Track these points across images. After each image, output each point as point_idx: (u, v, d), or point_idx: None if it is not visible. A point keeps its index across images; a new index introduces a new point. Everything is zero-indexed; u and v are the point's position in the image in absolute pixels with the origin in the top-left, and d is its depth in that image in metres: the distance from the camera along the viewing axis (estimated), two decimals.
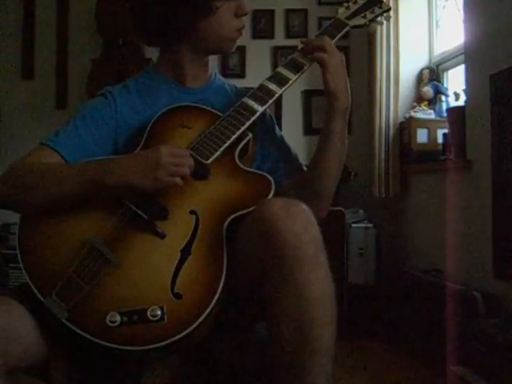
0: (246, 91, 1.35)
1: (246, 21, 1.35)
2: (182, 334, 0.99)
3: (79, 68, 3.85)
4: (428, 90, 3.39)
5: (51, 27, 3.94)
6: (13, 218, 1.20)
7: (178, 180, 1.11)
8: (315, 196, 1.32)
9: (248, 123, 1.25)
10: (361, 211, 3.54)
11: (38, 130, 3.39)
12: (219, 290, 1.03)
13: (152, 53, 3.04)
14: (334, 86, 1.26)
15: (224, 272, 1.05)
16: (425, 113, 3.33)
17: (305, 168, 1.40)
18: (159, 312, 1.01)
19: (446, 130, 3.06)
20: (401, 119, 3.45)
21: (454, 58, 3.25)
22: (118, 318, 1.01)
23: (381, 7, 1.39)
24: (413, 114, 3.34)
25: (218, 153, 1.20)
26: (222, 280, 1.04)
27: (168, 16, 1.28)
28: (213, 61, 1.45)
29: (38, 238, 1.12)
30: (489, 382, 2.02)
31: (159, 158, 1.10)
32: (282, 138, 1.43)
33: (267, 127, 1.41)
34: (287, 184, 1.36)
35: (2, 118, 3.86)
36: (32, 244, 1.11)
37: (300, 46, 1.34)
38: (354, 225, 3.43)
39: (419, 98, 3.48)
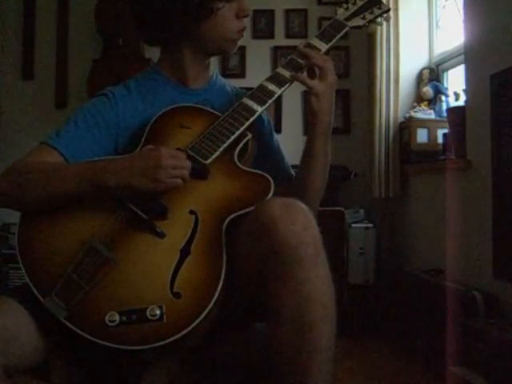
0: (246, 93, 1.36)
1: (246, 21, 1.36)
2: (180, 334, 0.99)
3: (79, 68, 3.85)
4: (428, 90, 3.39)
5: (51, 27, 3.94)
6: (13, 218, 1.21)
7: (179, 181, 1.11)
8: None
9: (247, 123, 1.25)
10: (361, 211, 3.54)
11: (38, 129, 3.40)
12: (218, 290, 1.03)
13: (152, 53, 3.04)
14: (317, 107, 1.25)
15: (223, 271, 1.05)
16: (425, 113, 3.33)
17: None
18: (158, 311, 1.01)
19: (446, 130, 3.06)
20: (401, 119, 3.45)
21: (454, 57, 3.25)
22: (117, 318, 1.01)
23: (380, 8, 1.39)
24: (413, 114, 3.34)
25: (217, 153, 1.20)
26: (222, 279, 1.04)
27: (169, 17, 1.28)
28: (213, 61, 1.45)
29: (38, 237, 1.12)
30: (489, 382, 2.02)
31: (160, 160, 1.10)
32: (278, 146, 1.45)
33: (265, 133, 1.42)
34: (280, 189, 1.36)
35: (2, 117, 3.86)
36: (31, 244, 1.11)
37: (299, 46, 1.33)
38: (353, 225, 3.43)
39: (419, 98, 3.48)
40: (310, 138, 1.30)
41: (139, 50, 3.65)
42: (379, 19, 1.40)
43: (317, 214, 1.33)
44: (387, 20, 1.41)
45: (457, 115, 2.80)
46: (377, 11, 1.38)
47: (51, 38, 3.94)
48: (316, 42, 1.33)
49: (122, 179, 1.10)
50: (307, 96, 1.27)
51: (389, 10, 1.39)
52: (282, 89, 1.29)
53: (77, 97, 3.80)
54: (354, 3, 1.39)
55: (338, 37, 1.34)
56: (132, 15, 1.36)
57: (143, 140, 1.26)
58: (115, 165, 1.13)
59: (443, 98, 3.31)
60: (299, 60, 1.31)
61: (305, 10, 3.94)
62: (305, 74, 1.28)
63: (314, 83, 1.25)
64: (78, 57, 3.92)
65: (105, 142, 1.29)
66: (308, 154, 1.31)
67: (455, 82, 3.32)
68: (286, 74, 1.30)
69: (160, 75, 1.38)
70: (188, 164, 1.14)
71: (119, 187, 1.11)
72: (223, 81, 1.47)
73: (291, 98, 3.76)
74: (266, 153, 1.40)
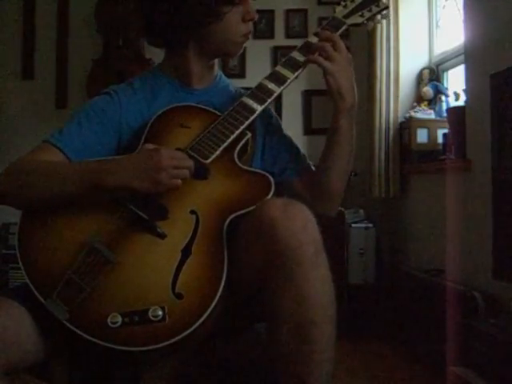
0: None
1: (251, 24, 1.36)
2: (182, 335, 0.99)
3: (79, 68, 3.85)
4: (428, 90, 3.38)
5: (51, 27, 3.94)
6: (13, 218, 1.20)
7: (179, 182, 1.11)
8: (325, 195, 1.35)
9: (247, 122, 1.24)
10: (361, 211, 3.54)
11: (38, 129, 3.38)
12: (220, 290, 1.03)
13: (152, 53, 3.04)
14: (336, 87, 1.26)
15: (225, 272, 1.05)
16: (425, 113, 3.33)
17: (313, 168, 1.41)
18: (160, 312, 1.01)
19: (446, 130, 3.06)
20: (401, 119, 3.45)
21: (454, 57, 3.25)
22: (119, 319, 1.01)
23: (378, 6, 1.39)
24: (413, 114, 3.34)
25: (217, 152, 1.19)
26: (223, 280, 1.04)
27: (176, 20, 1.28)
28: (215, 61, 1.45)
29: (38, 238, 1.12)
30: (489, 382, 2.02)
31: (160, 161, 1.10)
32: (290, 139, 1.43)
33: (275, 129, 1.42)
34: (297, 183, 1.37)
35: (2, 117, 3.86)
36: (32, 244, 1.11)
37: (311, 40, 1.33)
38: (354, 225, 3.43)
39: (419, 98, 3.48)
40: (334, 116, 1.30)
41: (139, 50, 3.65)
42: (377, 17, 1.40)
43: (341, 200, 1.38)
44: (385, 18, 1.42)
45: (457, 115, 2.80)
46: (375, 9, 1.38)
47: (51, 37, 3.94)
48: (315, 40, 1.33)
49: (120, 180, 1.10)
50: (325, 78, 1.27)
51: (387, 8, 1.40)
52: (282, 87, 1.29)
53: (77, 97, 3.80)
54: (353, 1, 1.39)
55: (337, 34, 1.34)
56: (139, 17, 1.36)
57: (143, 139, 1.25)
58: (114, 165, 1.13)
59: (443, 98, 3.31)
60: (299, 58, 1.31)
61: (305, 10, 3.94)
62: (316, 55, 1.28)
63: (328, 64, 1.26)
64: (78, 57, 3.92)
65: (107, 140, 1.28)
66: (334, 130, 1.31)
67: (455, 82, 3.32)
68: (285, 72, 1.30)
69: (164, 75, 1.38)
70: (190, 164, 1.13)
71: (117, 188, 1.11)
72: (227, 81, 1.47)
73: (291, 98, 3.76)
74: (279, 148, 1.40)
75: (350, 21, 1.37)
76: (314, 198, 1.34)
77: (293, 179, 1.37)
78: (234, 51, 1.37)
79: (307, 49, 1.32)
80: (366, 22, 1.39)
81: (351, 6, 1.38)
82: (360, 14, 1.38)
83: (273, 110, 1.43)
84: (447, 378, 2.20)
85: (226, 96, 1.40)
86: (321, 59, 1.27)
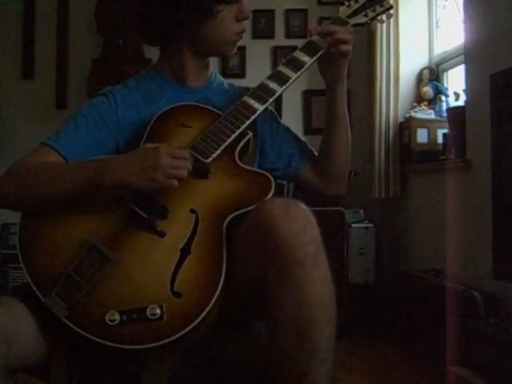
0: (245, 90, 1.36)
1: (246, 21, 1.36)
2: (180, 333, 0.99)
3: (79, 68, 3.85)
4: (428, 90, 3.39)
5: (51, 27, 3.94)
6: (13, 217, 1.21)
7: (175, 182, 1.11)
8: (331, 176, 1.40)
9: (248, 122, 1.25)
10: (361, 211, 3.54)
11: (38, 129, 3.37)
12: (219, 289, 1.03)
13: (152, 53, 3.04)
14: (345, 71, 1.34)
15: (224, 271, 1.05)
16: (425, 113, 3.33)
17: (315, 153, 1.44)
18: (158, 311, 1.01)
19: (446, 130, 3.06)
20: (401, 119, 3.45)
21: (454, 57, 3.25)
22: (117, 317, 1.01)
23: (382, 6, 1.38)
24: (413, 114, 3.34)
25: (218, 151, 1.20)
26: (222, 279, 1.04)
27: (170, 18, 1.28)
28: (213, 61, 1.45)
29: (39, 237, 1.12)
30: (489, 382, 2.02)
31: (158, 159, 1.10)
32: (288, 129, 1.46)
33: (272, 124, 1.43)
34: (304, 171, 1.40)
35: (2, 117, 3.86)
36: (32, 243, 1.11)
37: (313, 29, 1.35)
38: (353, 225, 3.43)
39: (419, 98, 3.48)
40: (334, 99, 1.37)
41: (139, 50, 3.65)
42: (381, 16, 1.40)
43: (347, 179, 1.44)
44: (389, 17, 1.41)
45: (457, 115, 2.80)
46: (379, 9, 1.38)
47: (51, 37, 3.94)
48: (317, 40, 1.33)
49: (118, 178, 1.10)
50: (341, 65, 1.33)
51: (391, 8, 1.39)
52: (283, 87, 1.30)
53: (77, 97, 3.80)
54: (356, 1, 1.39)
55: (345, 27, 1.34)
56: (133, 15, 1.36)
57: (144, 139, 1.26)
58: (113, 163, 1.13)
59: (443, 98, 3.31)
60: (300, 58, 1.31)
61: (305, 10, 3.94)
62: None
63: (349, 49, 1.30)
64: (78, 57, 3.92)
65: (104, 141, 1.29)
66: (333, 113, 1.37)
67: (455, 81, 3.32)
68: (287, 72, 1.30)
69: (160, 74, 1.38)
70: (187, 165, 1.13)
71: (116, 186, 1.11)
72: (221, 79, 1.47)
73: (291, 98, 3.76)
74: (280, 142, 1.42)
75: (353, 21, 1.37)
76: (323, 181, 1.40)
77: (300, 169, 1.39)
78: (227, 50, 1.37)
79: (310, 48, 1.32)
80: (369, 22, 1.39)
81: (355, 6, 1.38)
82: (364, 13, 1.38)
83: (269, 106, 1.44)
84: (447, 378, 2.20)
85: (223, 94, 1.41)
86: (348, 47, 1.30)
